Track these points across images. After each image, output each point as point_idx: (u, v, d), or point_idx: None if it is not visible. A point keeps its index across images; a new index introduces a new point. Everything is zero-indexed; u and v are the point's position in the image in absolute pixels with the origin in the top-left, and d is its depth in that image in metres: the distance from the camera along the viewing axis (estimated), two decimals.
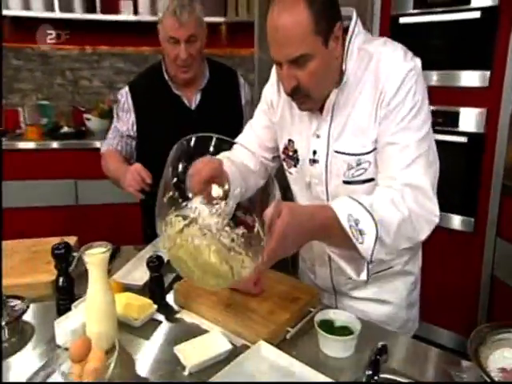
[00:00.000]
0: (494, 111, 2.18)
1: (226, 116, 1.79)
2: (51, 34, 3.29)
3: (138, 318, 1.06)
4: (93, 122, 3.01)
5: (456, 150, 2.30)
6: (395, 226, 0.97)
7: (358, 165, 1.10)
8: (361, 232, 0.94)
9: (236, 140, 1.33)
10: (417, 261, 1.32)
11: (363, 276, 1.10)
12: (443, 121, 2.33)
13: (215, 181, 0.99)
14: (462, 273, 2.38)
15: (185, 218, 0.91)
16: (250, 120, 1.40)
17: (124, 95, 1.81)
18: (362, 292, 1.26)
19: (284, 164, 1.27)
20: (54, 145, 2.92)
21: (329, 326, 1.03)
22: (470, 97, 2.26)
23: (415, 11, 2.36)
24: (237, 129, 1.57)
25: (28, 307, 1.06)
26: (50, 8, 3.05)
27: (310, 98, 1.07)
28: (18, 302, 1.07)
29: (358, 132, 1.09)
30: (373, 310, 1.25)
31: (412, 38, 2.31)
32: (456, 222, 2.35)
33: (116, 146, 1.83)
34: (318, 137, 1.13)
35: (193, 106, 1.79)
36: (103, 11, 3.07)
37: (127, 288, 1.20)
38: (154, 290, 1.15)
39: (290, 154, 1.21)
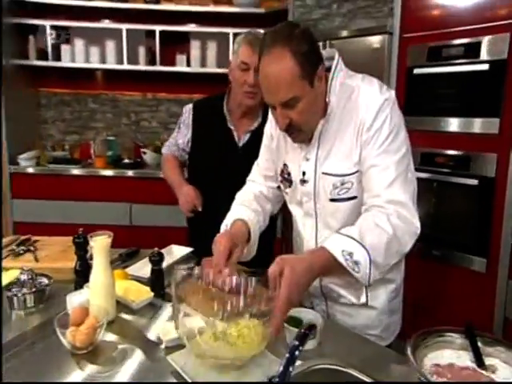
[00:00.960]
0: (504, 156, 2.10)
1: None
2: (120, 81, 3.60)
3: (135, 300, 1.16)
4: (148, 156, 3.23)
5: (468, 192, 2.23)
6: (384, 246, 1.00)
7: (342, 184, 1.14)
8: (356, 263, 0.97)
9: (247, 179, 1.43)
10: (399, 271, 1.33)
11: (363, 299, 1.18)
12: (455, 164, 2.28)
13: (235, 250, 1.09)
14: (474, 313, 2.25)
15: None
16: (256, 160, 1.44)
17: (187, 111, 1.86)
18: (345, 298, 1.28)
19: (281, 185, 1.31)
20: (116, 173, 3.15)
21: (297, 323, 1.07)
22: (480, 142, 2.19)
23: (428, 63, 2.35)
24: None
25: (50, 284, 1.22)
26: (120, 62, 3.32)
27: (301, 132, 1.12)
28: (45, 279, 1.23)
29: (342, 156, 1.14)
30: (359, 314, 1.27)
31: (425, 88, 2.39)
32: (468, 262, 2.25)
33: (173, 153, 1.89)
34: (307, 160, 1.18)
35: (240, 144, 1.77)
36: (162, 64, 3.29)
37: (135, 279, 1.29)
38: (154, 281, 1.23)
39: (285, 176, 1.27)
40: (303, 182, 1.21)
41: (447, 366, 0.86)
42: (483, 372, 0.84)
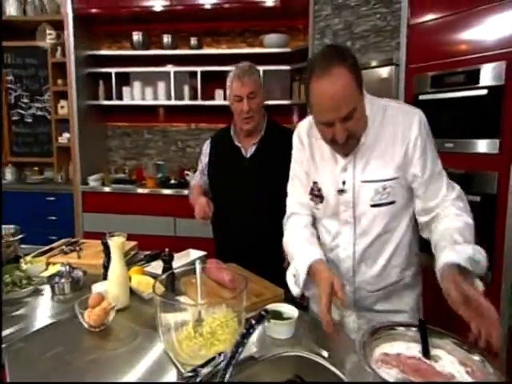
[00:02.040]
0: (505, 174, 2.02)
1: (274, 166, 1.70)
2: (169, 115, 3.82)
3: (145, 291, 1.24)
4: (191, 177, 3.35)
5: (471, 208, 2.15)
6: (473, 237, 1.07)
7: (384, 189, 1.13)
8: (477, 262, 0.97)
9: (290, 211, 1.32)
10: (420, 275, 1.31)
11: (481, 287, 1.04)
12: (458, 182, 2.15)
13: None
14: None
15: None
16: (290, 189, 1.34)
17: (206, 144, 1.95)
18: (380, 305, 1.24)
19: (311, 203, 1.25)
20: (163, 191, 3.33)
21: (277, 316, 1.10)
22: (482, 162, 2.12)
23: (432, 90, 2.33)
24: (283, 179, 1.45)
25: (84, 276, 1.36)
26: (169, 98, 3.53)
27: (354, 141, 1.09)
28: (80, 272, 1.38)
29: (381, 165, 1.13)
30: (390, 319, 1.19)
31: (430, 112, 2.30)
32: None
33: (199, 181, 1.92)
34: (345, 170, 1.15)
35: (248, 155, 1.78)
36: (203, 98, 3.47)
37: (150, 275, 1.37)
38: (170, 280, 1.24)
39: (316, 193, 1.22)
40: (342, 191, 1.17)
41: (395, 356, 0.87)
42: (426, 361, 0.85)
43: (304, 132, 1.27)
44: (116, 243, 1.21)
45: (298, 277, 1.16)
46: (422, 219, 1.17)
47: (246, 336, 0.79)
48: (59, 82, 3.68)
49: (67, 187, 3.63)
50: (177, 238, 3.25)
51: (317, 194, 1.23)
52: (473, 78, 2.14)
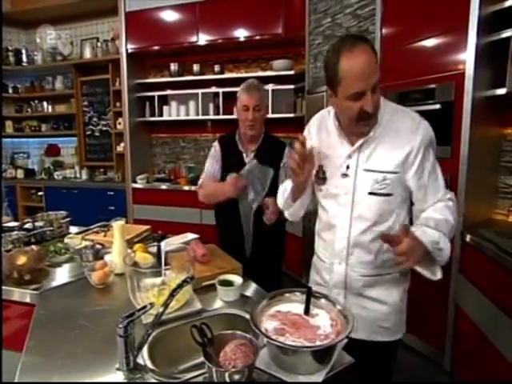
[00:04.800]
0: (456, 175, 2.01)
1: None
2: (198, 127, 3.96)
3: (141, 263, 1.28)
4: None
5: None
6: (450, 234, 1.02)
7: (383, 180, 1.06)
8: (440, 249, 0.97)
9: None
10: (409, 273, 1.20)
11: (439, 275, 1.00)
12: None
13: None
14: (432, 301, 2.12)
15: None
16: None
17: (215, 146, 1.81)
18: (368, 291, 1.15)
19: (315, 184, 1.19)
20: (193, 188, 3.43)
21: (227, 284, 1.19)
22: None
23: (400, 104, 2.31)
24: (273, 179, 1.62)
25: (101, 249, 1.51)
26: (197, 114, 3.68)
27: (375, 117, 1.04)
28: (99, 246, 1.53)
29: (384, 158, 1.07)
30: (374, 307, 1.16)
31: None
32: None
33: (211, 174, 1.78)
34: (350, 157, 1.10)
35: (247, 160, 1.73)
36: (224, 113, 3.60)
37: (150, 252, 1.38)
38: (158, 253, 1.30)
39: (320, 175, 1.15)
40: (345, 175, 1.10)
41: (284, 312, 0.93)
42: (305, 317, 0.91)
43: (314, 125, 1.22)
44: (117, 225, 1.37)
45: (286, 191, 1.23)
46: (417, 222, 1.09)
47: (173, 293, 0.92)
48: (117, 104, 3.96)
49: (122, 185, 3.90)
50: (202, 225, 3.38)
51: (321, 177, 1.16)
52: (430, 95, 2.15)
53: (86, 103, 4.26)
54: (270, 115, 3.46)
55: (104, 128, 4.24)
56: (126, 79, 3.73)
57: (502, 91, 1.86)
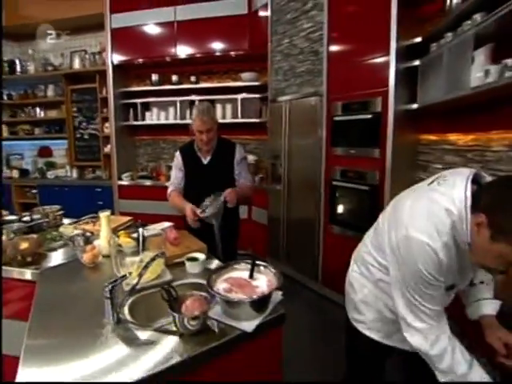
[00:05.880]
0: (383, 172, 2.25)
1: (221, 168, 1.85)
2: (177, 130, 3.94)
3: (124, 246, 1.32)
4: None
5: (363, 194, 2.38)
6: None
7: None
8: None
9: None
10: None
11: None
12: (357, 177, 2.44)
13: None
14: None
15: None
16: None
17: (177, 157, 1.91)
18: None
19: None
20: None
21: (193, 259, 1.31)
22: (370, 163, 2.35)
23: (342, 113, 2.53)
24: (227, 175, 1.77)
25: (90, 236, 1.55)
26: (175, 119, 3.74)
27: None
28: (89, 234, 1.58)
29: None
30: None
31: (341, 129, 2.56)
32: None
33: (177, 188, 1.90)
34: None
35: (205, 162, 1.85)
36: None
37: (132, 237, 1.41)
38: (137, 238, 1.35)
39: None
40: None
41: (235, 277, 1.08)
42: (249, 280, 1.06)
43: None
44: (103, 215, 1.49)
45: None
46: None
47: (147, 265, 1.09)
48: (104, 110, 3.97)
49: (109, 182, 3.93)
50: (179, 216, 3.27)
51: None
52: (364, 107, 2.35)
53: (75, 109, 4.23)
54: (239, 120, 3.65)
55: (92, 131, 4.22)
56: (112, 88, 3.76)
57: (415, 106, 2.14)
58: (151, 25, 3.64)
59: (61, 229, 1.79)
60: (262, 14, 3.29)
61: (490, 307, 0.96)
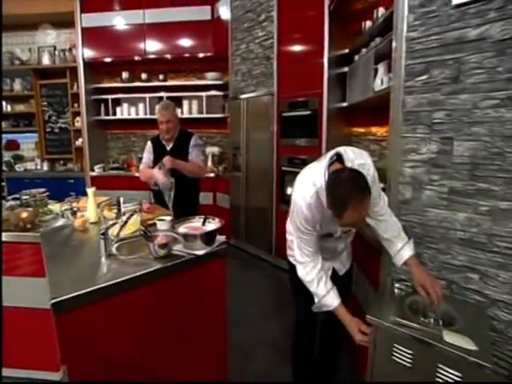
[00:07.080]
0: None
1: (181, 152, 2.19)
2: (147, 125, 4.27)
3: (107, 216, 1.64)
4: None
5: None
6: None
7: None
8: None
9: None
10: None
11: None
12: (302, 163, 2.89)
13: None
14: None
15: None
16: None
17: (148, 144, 2.35)
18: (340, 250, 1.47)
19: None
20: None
21: (162, 220, 1.58)
22: (311, 151, 2.86)
23: (289, 110, 3.03)
24: (186, 157, 2.12)
25: (77, 210, 1.96)
26: (145, 114, 4.07)
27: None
28: (76, 208, 1.96)
29: None
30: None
31: (288, 123, 3.08)
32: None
33: (147, 163, 2.30)
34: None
35: (168, 149, 2.25)
36: None
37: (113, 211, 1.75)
38: (118, 205, 1.68)
39: (325, 233, 1.32)
40: (345, 232, 1.35)
41: (194, 225, 1.44)
42: (202, 226, 1.45)
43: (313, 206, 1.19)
44: (90, 190, 1.86)
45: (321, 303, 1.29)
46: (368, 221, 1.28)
47: (127, 220, 1.57)
48: (75, 105, 4.22)
49: (81, 174, 4.22)
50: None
51: (325, 234, 1.30)
52: (305, 105, 2.88)
53: (45, 103, 4.41)
54: (204, 115, 4.09)
55: (63, 125, 4.43)
56: (83, 84, 4.02)
57: (345, 104, 2.75)
58: (121, 26, 3.94)
59: (49, 206, 2.18)
60: (223, 20, 3.75)
61: (406, 252, 1.24)
